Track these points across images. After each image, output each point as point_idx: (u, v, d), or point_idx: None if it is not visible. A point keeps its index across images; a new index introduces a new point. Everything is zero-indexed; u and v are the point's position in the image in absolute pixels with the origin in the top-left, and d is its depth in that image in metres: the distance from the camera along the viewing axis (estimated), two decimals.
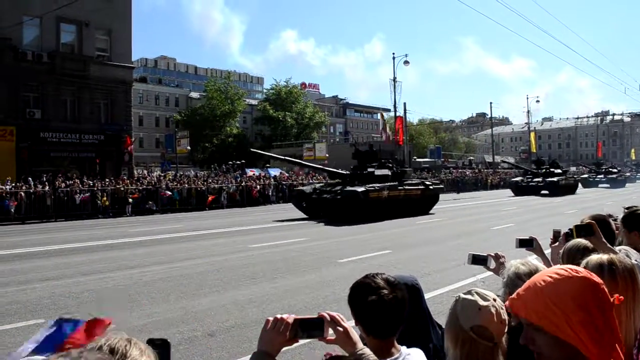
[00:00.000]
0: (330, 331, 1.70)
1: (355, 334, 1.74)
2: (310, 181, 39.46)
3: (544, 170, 42.95)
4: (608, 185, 52.83)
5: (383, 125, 53.64)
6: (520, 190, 40.40)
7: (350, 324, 1.77)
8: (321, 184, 25.62)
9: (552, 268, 1.42)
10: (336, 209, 21.30)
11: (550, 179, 40.39)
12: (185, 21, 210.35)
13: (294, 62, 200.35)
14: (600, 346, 1.22)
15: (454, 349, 1.76)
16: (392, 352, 1.85)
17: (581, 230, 2.80)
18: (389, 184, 22.74)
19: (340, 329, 1.71)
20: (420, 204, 23.84)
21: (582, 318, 1.22)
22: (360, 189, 20.95)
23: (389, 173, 23.63)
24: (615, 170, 58.45)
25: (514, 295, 1.36)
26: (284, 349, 1.68)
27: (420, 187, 24.49)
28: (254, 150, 32.86)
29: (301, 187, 26.10)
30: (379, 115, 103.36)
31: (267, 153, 35.15)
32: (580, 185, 52.18)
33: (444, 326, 2.54)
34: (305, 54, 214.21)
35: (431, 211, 24.53)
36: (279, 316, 1.66)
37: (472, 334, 1.73)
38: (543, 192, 39.22)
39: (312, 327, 1.68)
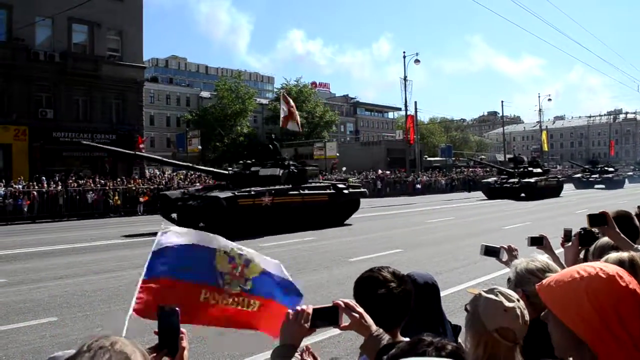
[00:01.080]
0: (345, 317, 1.75)
1: (369, 318, 1.79)
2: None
3: (521, 169, 37.68)
4: (603, 186, 48.47)
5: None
6: (493, 193, 35.31)
7: None
8: (196, 187, 21.21)
9: (586, 263, 1.44)
10: (199, 219, 16.48)
11: (526, 180, 35.18)
12: (193, 22, 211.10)
13: (302, 62, 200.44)
14: (608, 346, 1.23)
15: (476, 349, 1.73)
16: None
17: (594, 219, 2.78)
18: (277, 187, 17.95)
19: (356, 314, 1.76)
20: (329, 213, 18.95)
21: (594, 317, 1.24)
22: (225, 194, 16.60)
23: (279, 173, 18.63)
24: (611, 169, 53.64)
25: (544, 282, 1.40)
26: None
27: (328, 191, 19.60)
28: (93, 144, 23.15)
29: (167, 192, 20.28)
30: (389, 114, 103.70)
31: (117, 149, 22.91)
32: (573, 186, 49.40)
33: (453, 324, 2.54)
34: (312, 53, 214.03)
35: (348, 221, 19.96)
36: (299, 308, 1.70)
37: (497, 335, 1.69)
38: (520, 195, 34.18)
39: (327, 316, 1.73)
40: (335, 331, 4.65)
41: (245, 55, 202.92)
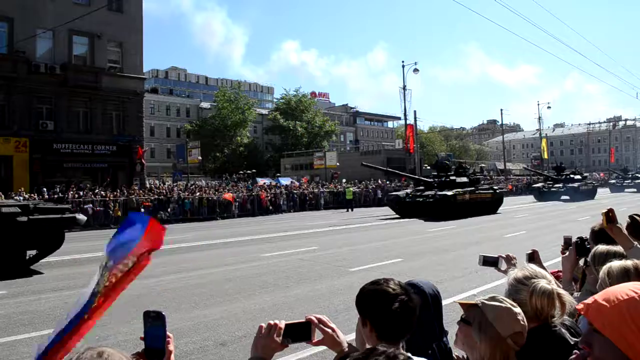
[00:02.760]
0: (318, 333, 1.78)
1: (341, 334, 1.81)
2: (322, 190, 39.55)
3: (443, 179, 29.26)
4: (569, 197, 40.38)
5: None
6: (405, 208, 27.79)
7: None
8: None
9: (633, 283, 1.35)
10: None
11: (442, 193, 26.99)
12: (188, 34, 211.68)
13: (297, 73, 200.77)
14: None
15: (492, 357, 1.74)
16: None
17: (608, 216, 2.87)
18: None
19: (328, 330, 1.78)
20: None
21: None
22: None
23: None
24: (578, 177, 45.11)
25: (589, 301, 1.30)
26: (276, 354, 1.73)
27: None
28: None
29: None
30: (389, 123, 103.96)
31: None
32: (534, 198, 43.08)
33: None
34: (307, 64, 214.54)
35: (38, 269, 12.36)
36: (271, 322, 1.72)
37: (510, 341, 1.72)
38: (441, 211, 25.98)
39: (300, 331, 1.74)
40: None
41: (240, 67, 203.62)
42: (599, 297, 1.28)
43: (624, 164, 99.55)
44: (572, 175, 44.99)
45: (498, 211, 29.65)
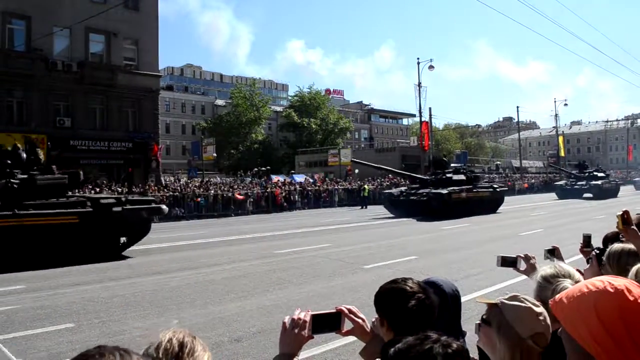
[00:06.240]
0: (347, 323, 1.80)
1: (370, 324, 1.84)
2: (335, 187, 39.52)
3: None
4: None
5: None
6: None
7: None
8: None
9: (595, 278, 1.39)
10: None
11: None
12: (194, 32, 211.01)
13: (303, 72, 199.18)
14: None
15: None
16: None
17: (624, 218, 2.82)
18: None
19: (359, 320, 1.81)
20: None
21: (603, 333, 1.20)
22: None
23: None
24: (460, 177, 28.38)
25: (556, 298, 1.36)
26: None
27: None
28: None
29: None
30: (404, 120, 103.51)
31: None
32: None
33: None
34: (313, 63, 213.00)
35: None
36: (295, 317, 1.71)
37: (531, 342, 1.65)
38: None
39: (329, 322, 1.76)
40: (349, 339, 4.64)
41: (245, 65, 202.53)
42: (564, 293, 1.35)
43: None
44: (473, 173, 32.10)
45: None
